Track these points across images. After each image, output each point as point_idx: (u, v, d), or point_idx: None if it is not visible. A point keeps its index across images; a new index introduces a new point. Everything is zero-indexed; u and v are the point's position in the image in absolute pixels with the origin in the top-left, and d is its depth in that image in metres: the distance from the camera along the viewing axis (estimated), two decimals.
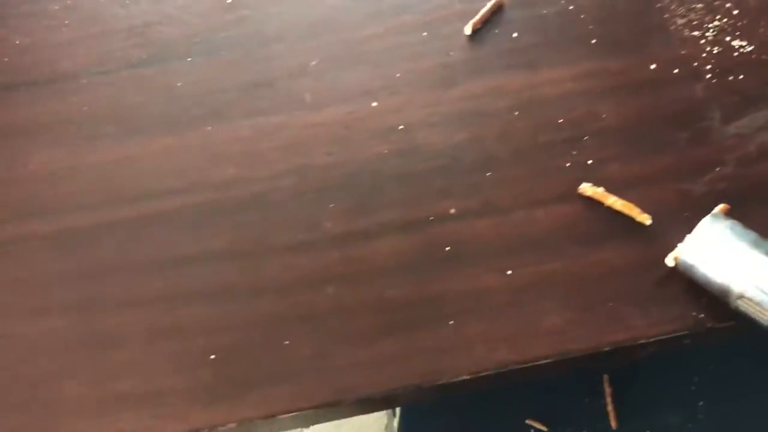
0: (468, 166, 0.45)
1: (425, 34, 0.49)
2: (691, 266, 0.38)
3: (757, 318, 0.36)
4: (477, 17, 0.49)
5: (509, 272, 0.41)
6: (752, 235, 0.37)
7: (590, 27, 0.49)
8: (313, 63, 0.49)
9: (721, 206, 0.41)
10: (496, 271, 0.41)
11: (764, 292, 0.35)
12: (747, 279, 0.36)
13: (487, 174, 0.44)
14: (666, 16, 0.49)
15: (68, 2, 0.52)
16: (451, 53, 0.49)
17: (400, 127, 0.46)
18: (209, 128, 0.47)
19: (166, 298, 0.42)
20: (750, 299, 0.36)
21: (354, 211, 0.44)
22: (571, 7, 0.50)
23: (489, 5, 0.49)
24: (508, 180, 0.44)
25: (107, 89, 0.49)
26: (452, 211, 0.43)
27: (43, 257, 0.44)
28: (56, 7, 0.52)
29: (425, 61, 0.48)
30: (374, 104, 0.47)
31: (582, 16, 0.49)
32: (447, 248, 0.42)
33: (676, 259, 0.39)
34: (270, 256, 0.43)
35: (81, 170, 0.46)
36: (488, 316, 0.40)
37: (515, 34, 0.49)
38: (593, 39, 0.48)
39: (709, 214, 0.38)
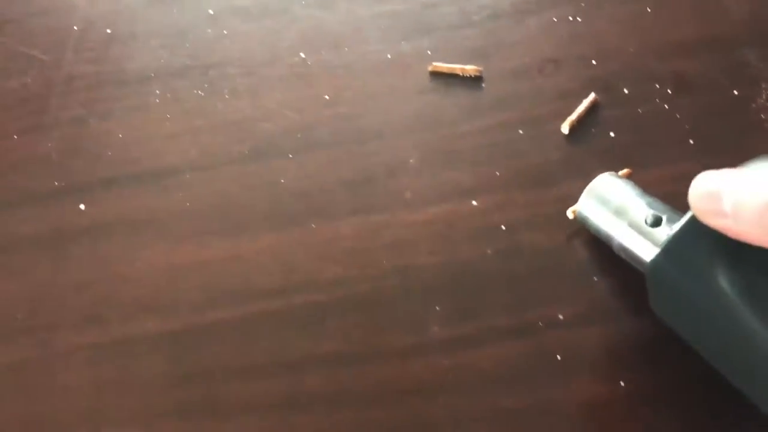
0: (574, 270, 0.45)
1: (522, 131, 0.50)
2: (585, 218, 0.43)
3: (635, 265, 0.41)
4: (573, 116, 0.49)
5: (622, 383, 0.41)
6: (638, 190, 0.42)
7: (686, 127, 0.49)
8: (412, 160, 0.49)
9: (624, 170, 0.46)
10: (608, 381, 0.41)
11: (638, 239, 0.40)
12: (624, 227, 0.40)
13: (594, 278, 0.44)
14: (762, 116, 0.49)
15: (169, 95, 0.53)
16: (549, 152, 0.49)
17: (502, 227, 0.46)
18: (313, 226, 0.47)
19: (279, 404, 0.42)
20: (626, 247, 0.41)
21: (461, 315, 0.44)
22: (666, 107, 0.50)
23: (585, 104, 0.50)
24: (615, 285, 0.44)
25: (210, 185, 0.49)
26: (560, 316, 0.43)
27: (149, 360, 0.44)
28: (158, 101, 0.53)
29: (523, 160, 0.49)
30: (474, 203, 0.47)
31: (677, 116, 0.49)
32: (558, 356, 0.42)
33: (573, 212, 0.45)
34: (380, 361, 0.43)
35: (186, 269, 0.47)
36: (603, 428, 0.40)
37: (612, 134, 0.49)
38: (690, 139, 0.49)
39: (606, 172, 0.44)
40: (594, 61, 0.52)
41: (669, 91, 0.50)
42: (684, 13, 0.54)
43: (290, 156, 0.50)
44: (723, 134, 0.49)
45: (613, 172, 0.44)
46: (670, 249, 0.36)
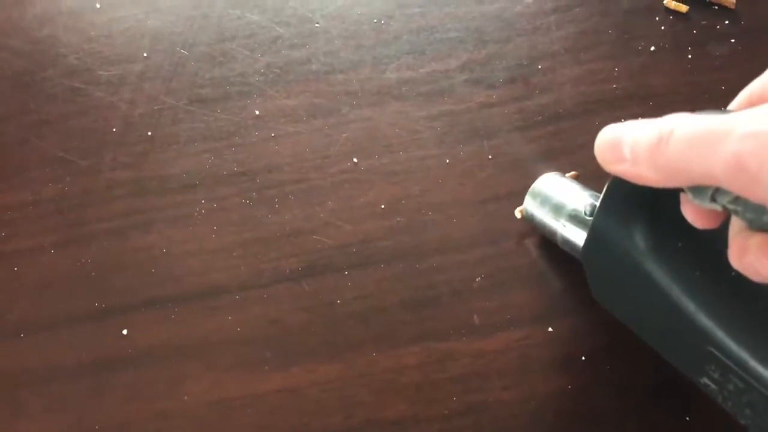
0: (665, 404, 0.40)
1: None
2: (531, 216, 0.44)
3: (578, 256, 0.41)
4: None
5: None
6: (580, 186, 0.43)
7: None
8: (479, 279, 0.45)
9: (571, 173, 0.46)
10: None
11: (577, 230, 0.41)
12: (565, 220, 0.41)
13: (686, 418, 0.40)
14: None
15: (215, 205, 0.49)
16: None
17: (582, 357, 0.42)
18: (374, 354, 0.43)
19: None
20: (567, 239, 0.41)
21: None
22: None
23: None
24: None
25: (261, 307, 0.45)
26: None
27: None
28: (203, 212, 0.49)
29: None
30: (550, 329, 0.43)
31: None
32: None
33: (521, 211, 0.45)
34: None
35: (240, 403, 0.42)
36: None
37: None
38: None
39: (550, 172, 0.45)
40: None
41: None
42: None
43: (345, 272, 0.46)
44: None
45: (557, 172, 0.45)
46: (594, 225, 0.36)
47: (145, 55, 0.56)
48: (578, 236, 0.41)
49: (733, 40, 0.52)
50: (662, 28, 0.53)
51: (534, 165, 0.48)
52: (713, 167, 0.23)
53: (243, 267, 0.47)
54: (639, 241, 0.33)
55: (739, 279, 0.28)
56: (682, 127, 0.24)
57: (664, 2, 0.54)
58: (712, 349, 0.32)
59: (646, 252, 0.33)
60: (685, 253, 0.33)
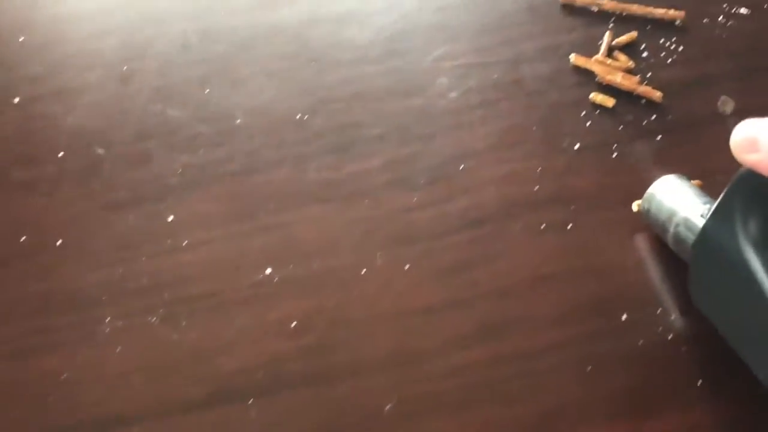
0: None
1: (516, 367, 0.43)
2: (647, 211, 0.45)
3: (681, 255, 0.43)
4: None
5: None
6: (699, 191, 0.43)
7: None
8: (389, 407, 0.43)
9: (695, 181, 0.46)
10: None
11: (689, 232, 0.41)
12: (679, 219, 0.42)
13: None
14: None
15: (120, 324, 0.46)
16: (562, 390, 0.42)
17: None
18: None
19: None
20: (680, 237, 0.42)
21: None
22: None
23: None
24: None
25: None
26: None
27: None
28: (108, 330, 0.46)
29: (519, 407, 0.42)
30: None
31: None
32: None
33: (638, 205, 0.46)
34: None
35: None
36: None
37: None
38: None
39: (672, 174, 0.45)
40: (589, 277, 0.46)
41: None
42: None
43: (251, 401, 0.43)
44: None
45: (679, 174, 0.45)
46: (707, 225, 0.38)
47: (60, 155, 0.53)
48: (689, 236, 0.41)
49: (659, 137, 0.50)
50: (588, 124, 0.51)
51: (451, 275, 0.46)
52: None
53: (144, 395, 0.44)
54: (753, 233, 0.35)
55: None
56: None
57: (590, 96, 0.52)
58: None
59: (757, 245, 0.35)
60: None
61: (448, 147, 0.51)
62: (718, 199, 0.37)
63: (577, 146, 0.50)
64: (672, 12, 0.56)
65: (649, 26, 0.56)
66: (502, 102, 0.53)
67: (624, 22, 0.56)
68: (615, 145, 0.50)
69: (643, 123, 0.51)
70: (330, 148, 0.52)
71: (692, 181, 0.45)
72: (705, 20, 0.56)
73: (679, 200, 0.43)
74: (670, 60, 0.54)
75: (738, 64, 0.53)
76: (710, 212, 0.38)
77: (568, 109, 0.52)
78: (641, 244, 0.46)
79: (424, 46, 0.56)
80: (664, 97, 0.51)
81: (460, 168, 0.50)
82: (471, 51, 0.56)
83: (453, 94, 0.54)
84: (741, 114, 0.49)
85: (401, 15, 0.58)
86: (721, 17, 0.55)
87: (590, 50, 0.54)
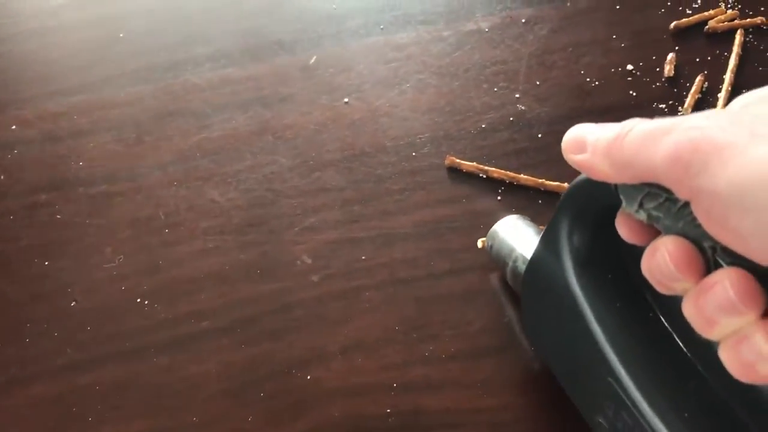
0: None
1: None
2: (490, 246, 0.45)
3: (516, 289, 0.43)
4: None
5: None
6: (537, 228, 0.44)
7: None
8: None
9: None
10: None
11: (523, 265, 0.41)
12: (517, 255, 0.42)
13: None
14: None
15: None
16: None
17: None
18: None
19: None
20: (516, 271, 0.42)
21: None
22: None
23: None
24: None
25: None
26: None
27: None
28: None
29: None
30: None
31: None
32: None
33: (483, 242, 0.47)
34: None
35: None
36: None
37: None
38: None
39: (512, 215, 0.46)
40: None
41: None
42: None
43: None
44: None
45: (520, 216, 0.46)
46: (534, 253, 0.38)
47: None
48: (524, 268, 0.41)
49: None
50: (458, 316, 0.45)
51: None
52: (655, 158, 0.24)
53: None
54: (568, 264, 0.35)
55: (656, 323, 0.33)
56: (639, 125, 0.25)
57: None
58: (612, 381, 0.33)
59: (574, 274, 0.35)
60: (613, 287, 0.34)
61: (298, 349, 0.45)
62: (546, 227, 0.36)
63: (443, 356, 0.44)
64: (566, 185, 0.50)
65: (540, 200, 0.50)
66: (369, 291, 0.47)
67: (513, 191, 0.50)
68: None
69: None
70: (168, 341, 0.46)
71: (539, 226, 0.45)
72: None
73: (519, 237, 0.43)
74: None
75: None
76: (538, 241, 0.37)
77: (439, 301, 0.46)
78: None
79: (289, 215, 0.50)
80: None
81: (308, 378, 0.44)
82: (340, 223, 0.50)
83: (314, 278, 0.48)
84: None
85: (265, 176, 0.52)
86: None
87: (474, 232, 0.48)
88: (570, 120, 0.53)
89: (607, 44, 0.57)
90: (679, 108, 0.53)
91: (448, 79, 0.56)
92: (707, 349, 0.31)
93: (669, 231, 0.26)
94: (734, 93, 0.53)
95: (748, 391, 0.30)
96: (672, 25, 0.57)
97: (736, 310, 0.23)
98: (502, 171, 0.51)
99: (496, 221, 0.48)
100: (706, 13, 0.57)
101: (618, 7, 0.59)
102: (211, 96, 0.57)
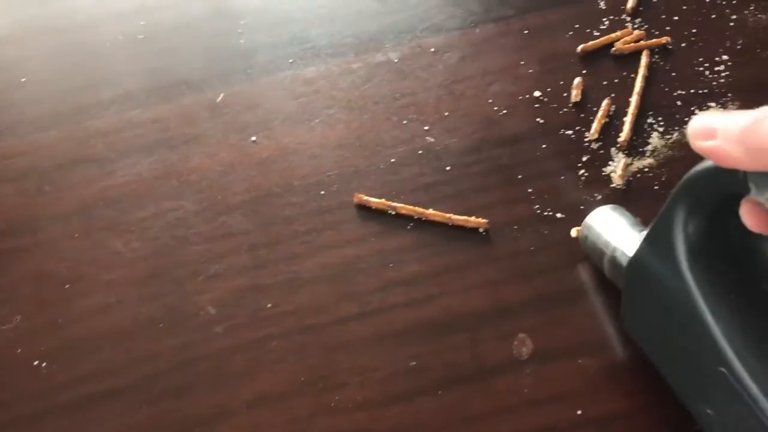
0: None
1: None
2: (585, 237, 0.45)
3: (617, 283, 0.42)
4: None
5: None
6: (632, 218, 0.44)
7: None
8: None
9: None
10: None
11: (624, 257, 0.40)
12: (615, 246, 0.42)
13: None
14: None
15: None
16: None
17: None
18: None
19: None
20: (615, 262, 0.42)
21: None
22: None
23: None
24: None
25: None
26: None
27: None
28: None
29: None
30: None
31: None
32: None
33: (577, 231, 0.47)
34: None
35: None
36: None
37: None
38: None
39: (607, 205, 0.45)
40: None
41: None
42: None
43: None
44: None
45: (614, 205, 0.45)
46: (642, 245, 0.37)
47: None
48: (624, 260, 0.41)
49: None
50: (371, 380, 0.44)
51: None
52: None
53: None
54: (682, 253, 0.34)
55: None
56: None
57: None
58: (725, 371, 0.33)
59: (687, 264, 0.34)
60: (726, 277, 0.34)
61: (202, 406, 0.44)
62: (656, 218, 0.36)
63: (350, 405, 0.43)
64: (474, 219, 0.49)
65: (447, 236, 0.49)
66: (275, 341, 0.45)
67: (422, 227, 0.49)
68: None
69: None
70: (67, 405, 0.44)
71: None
72: (511, 228, 0.49)
73: (616, 228, 0.43)
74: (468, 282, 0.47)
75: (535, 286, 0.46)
76: (647, 231, 0.37)
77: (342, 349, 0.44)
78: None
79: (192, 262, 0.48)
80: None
81: None
82: (246, 269, 0.48)
83: (219, 329, 0.46)
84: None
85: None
86: (527, 230, 0.48)
87: (383, 271, 0.47)
88: (478, 152, 0.52)
89: (515, 71, 0.56)
90: (586, 133, 0.52)
91: (357, 113, 0.55)
92: None
93: None
94: (640, 115, 0.53)
95: None
96: (579, 48, 0.56)
97: None
98: (411, 207, 0.49)
99: (406, 259, 0.47)
100: (612, 35, 0.57)
101: (526, 31, 0.58)
102: (115, 140, 0.56)
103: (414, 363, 0.44)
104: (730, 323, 0.33)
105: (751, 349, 0.32)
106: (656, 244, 0.36)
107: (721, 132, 0.27)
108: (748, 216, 0.29)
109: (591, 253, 0.45)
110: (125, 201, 0.52)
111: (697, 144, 0.28)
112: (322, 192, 0.51)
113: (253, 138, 0.54)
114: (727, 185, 0.29)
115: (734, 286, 0.34)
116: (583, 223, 0.45)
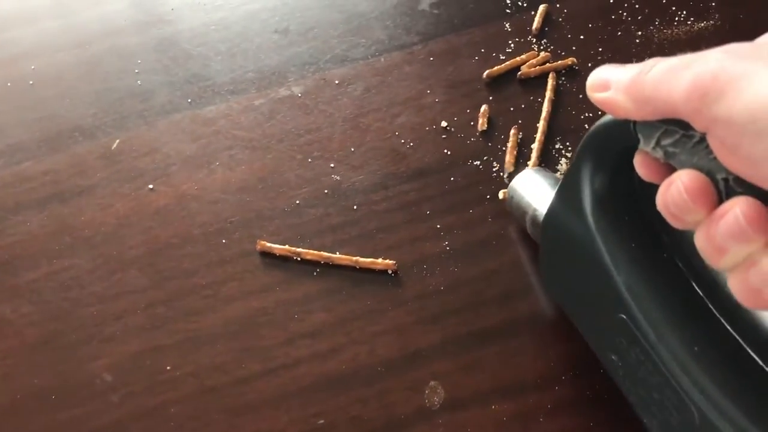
0: None
1: None
2: (511, 198, 0.46)
3: (537, 240, 0.44)
4: None
5: None
6: (555, 179, 0.45)
7: None
8: None
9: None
10: None
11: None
12: (537, 205, 0.43)
13: None
14: None
15: None
16: None
17: None
18: None
19: None
20: (535, 220, 0.43)
21: None
22: None
23: None
24: None
25: None
26: None
27: None
28: None
29: None
30: None
31: None
32: None
33: (504, 193, 0.48)
34: None
35: None
36: None
37: None
38: None
39: (533, 167, 0.48)
40: None
41: None
42: None
43: None
44: None
45: (539, 167, 0.48)
46: (553, 203, 0.39)
47: None
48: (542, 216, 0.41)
49: None
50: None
51: None
52: (674, 91, 0.25)
53: None
54: (588, 207, 0.35)
55: (669, 263, 0.34)
56: (661, 62, 0.26)
57: None
58: (625, 317, 0.34)
59: (592, 217, 0.35)
60: (629, 228, 0.35)
61: None
62: (565, 173, 0.36)
63: None
64: (381, 262, 0.47)
65: (354, 279, 0.47)
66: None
67: (328, 272, 0.47)
68: None
69: None
70: None
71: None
72: (420, 267, 0.47)
73: (538, 188, 0.44)
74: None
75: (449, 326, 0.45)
76: (558, 186, 0.38)
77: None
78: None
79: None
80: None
81: None
82: (143, 330, 0.45)
83: (115, 398, 0.43)
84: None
85: None
86: (437, 269, 0.46)
87: (288, 323, 0.45)
88: (385, 188, 0.50)
89: (420, 100, 0.54)
90: (495, 163, 0.50)
91: (260, 153, 0.53)
92: (717, 288, 0.32)
93: (684, 166, 0.26)
94: (548, 141, 0.51)
95: (757, 328, 0.31)
96: (485, 74, 0.54)
97: (746, 237, 0.24)
98: (316, 252, 0.47)
99: (312, 309, 0.45)
100: (518, 59, 0.55)
101: (432, 59, 0.56)
102: (4, 197, 0.52)
103: (321, 421, 0.42)
104: (630, 272, 0.34)
105: (648, 296, 0.34)
106: (567, 199, 0.37)
107: (613, 83, 0.28)
108: (640, 166, 0.29)
109: (516, 214, 0.46)
110: (15, 262, 0.49)
111: (594, 95, 0.29)
112: (224, 240, 0.49)
113: (150, 186, 0.52)
114: (623, 138, 0.30)
115: (635, 236, 0.35)
116: (509, 186, 0.46)
